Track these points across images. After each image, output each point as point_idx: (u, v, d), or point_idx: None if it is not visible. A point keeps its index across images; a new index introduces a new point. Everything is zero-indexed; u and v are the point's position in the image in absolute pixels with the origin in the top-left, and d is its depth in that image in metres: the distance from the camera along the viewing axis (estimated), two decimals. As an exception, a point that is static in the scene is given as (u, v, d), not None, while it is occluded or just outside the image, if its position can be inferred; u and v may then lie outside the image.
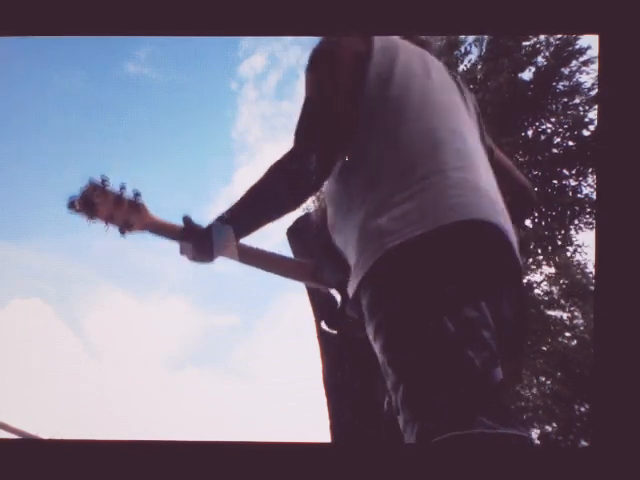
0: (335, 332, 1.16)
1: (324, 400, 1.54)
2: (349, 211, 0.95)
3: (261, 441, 0.82)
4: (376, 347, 0.86)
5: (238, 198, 0.97)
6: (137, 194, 1.02)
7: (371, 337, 0.87)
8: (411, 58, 0.99)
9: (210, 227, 1.00)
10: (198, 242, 1.00)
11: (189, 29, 0.94)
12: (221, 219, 0.99)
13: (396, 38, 1.02)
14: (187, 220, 1.02)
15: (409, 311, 0.81)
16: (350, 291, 0.93)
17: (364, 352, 1.36)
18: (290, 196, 0.95)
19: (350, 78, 0.93)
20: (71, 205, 0.98)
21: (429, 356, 0.78)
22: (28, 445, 0.90)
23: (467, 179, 0.88)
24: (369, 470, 0.80)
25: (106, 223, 1.01)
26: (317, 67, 0.97)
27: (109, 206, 1.00)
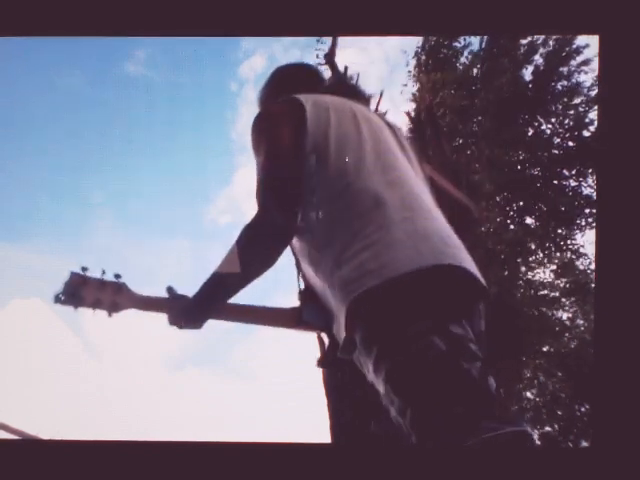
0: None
1: (324, 400, 1.54)
2: (317, 264, 1.02)
3: (261, 441, 0.82)
4: (378, 380, 0.90)
5: (217, 266, 1.03)
6: (117, 276, 1.08)
7: (372, 373, 0.91)
8: (342, 119, 1.05)
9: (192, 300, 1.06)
10: (185, 313, 1.07)
11: (189, 29, 0.94)
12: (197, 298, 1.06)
13: (326, 98, 1.07)
14: (171, 292, 1.09)
15: (397, 342, 0.86)
16: (340, 334, 0.98)
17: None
18: (264, 255, 1.02)
19: (291, 147, 1.01)
20: (57, 300, 1.04)
21: (427, 375, 0.82)
22: (28, 445, 0.90)
23: (416, 230, 0.94)
24: (369, 470, 0.80)
25: (93, 309, 1.07)
26: (261, 136, 1.05)
27: (94, 293, 1.06)
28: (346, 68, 7.29)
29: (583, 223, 6.73)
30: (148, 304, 1.12)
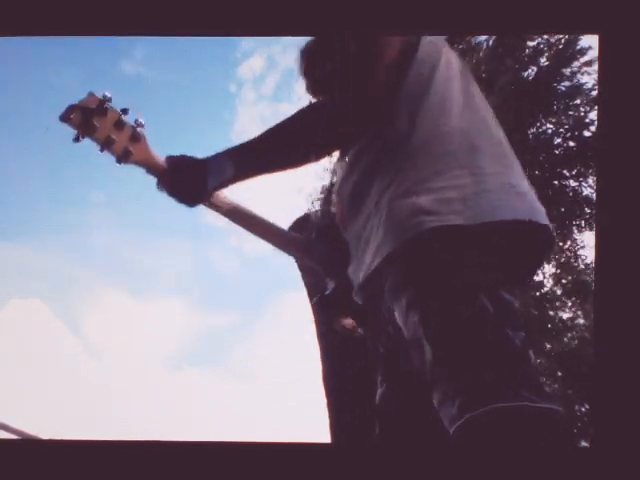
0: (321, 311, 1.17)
1: (324, 400, 1.54)
2: (375, 193, 0.95)
3: (261, 441, 0.82)
4: (409, 321, 0.86)
5: (259, 134, 0.93)
6: (139, 124, 0.95)
7: (402, 310, 0.87)
8: (452, 61, 1.03)
9: (207, 161, 0.93)
10: (189, 174, 0.94)
11: (188, 29, 0.94)
12: (224, 154, 0.93)
13: (440, 40, 1.05)
14: (185, 159, 0.96)
15: (450, 288, 0.83)
16: (367, 268, 0.93)
17: (364, 352, 1.36)
18: (315, 143, 0.94)
19: (398, 59, 0.96)
20: (67, 115, 0.88)
21: (472, 333, 0.80)
22: (28, 445, 0.90)
23: (511, 184, 0.92)
24: (369, 470, 0.80)
25: (102, 147, 0.92)
26: (373, 40, 0.97)
27: (109, 128, 0.91)
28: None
29: (583, 223, 6.73)
30: (160, 170, 0.98)
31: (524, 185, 0.96)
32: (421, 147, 0.93)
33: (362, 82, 0.93)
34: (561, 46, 6.73)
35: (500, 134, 1.01)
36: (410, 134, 0.94)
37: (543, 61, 6.92)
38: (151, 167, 0.97)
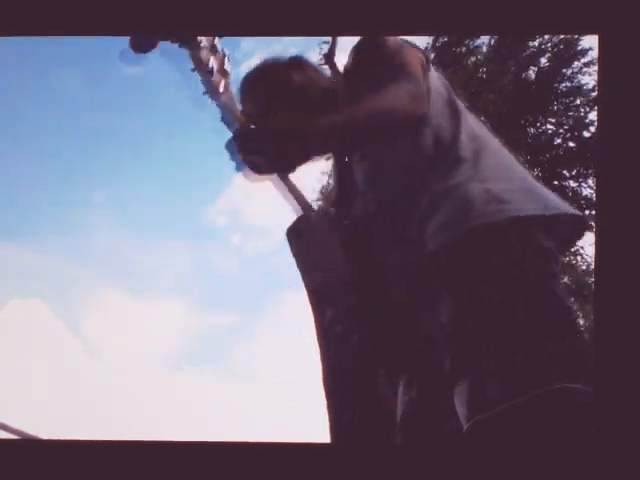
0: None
1: (324, 400, 1.54)
2: (447, 166, 0.98)
3: (261, 441, 0.82)
4: (475, 305, 0.87)
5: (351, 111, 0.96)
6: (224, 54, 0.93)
7: (466, 294, 0.88)
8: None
9: (305, 131, 0.93)
10: (289, 139, 0.92)
11: (187, 29, 0.94)
12: (323, 128, 0.93)
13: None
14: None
15: (527, 277, 0.86)
16: (423, 248, 0.94)
17: (364, 352, 1.36)
18: (405, 112, 0.95)
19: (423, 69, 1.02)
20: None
21: (552, 321, 0.84)
22: (28, 445, 0.90)
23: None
24: (369, 470, 0.80)
25: (199, 65, 0.91)
26: (401, 52, 1.01)
27: (207, 49, 0.91)
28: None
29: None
30: (237, 115, 0.96)
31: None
32: (473, 142, 0.99)
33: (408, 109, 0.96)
34: (562, 47, 6.74)
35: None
36: (460, 129, 1.00)
37: (544, 62, 6.93)
38: (234, 114, 0.96)
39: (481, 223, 0.90)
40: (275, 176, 1.08)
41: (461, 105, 1.06)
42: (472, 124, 1.05)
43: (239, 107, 0.99)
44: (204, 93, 0.94)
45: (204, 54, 0.91)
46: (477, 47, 7.10)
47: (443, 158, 0.99)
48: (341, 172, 1.16)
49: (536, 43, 6.82)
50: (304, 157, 1.00)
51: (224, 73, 0.94)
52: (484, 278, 0.88)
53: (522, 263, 0.88)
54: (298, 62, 1.19)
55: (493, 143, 1.04)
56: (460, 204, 0.93)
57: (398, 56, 1.00)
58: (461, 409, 0.83)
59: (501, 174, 0.96)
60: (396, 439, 1.10)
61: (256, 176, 0.97)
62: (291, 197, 1.13)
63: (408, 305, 1.04)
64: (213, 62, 0.92)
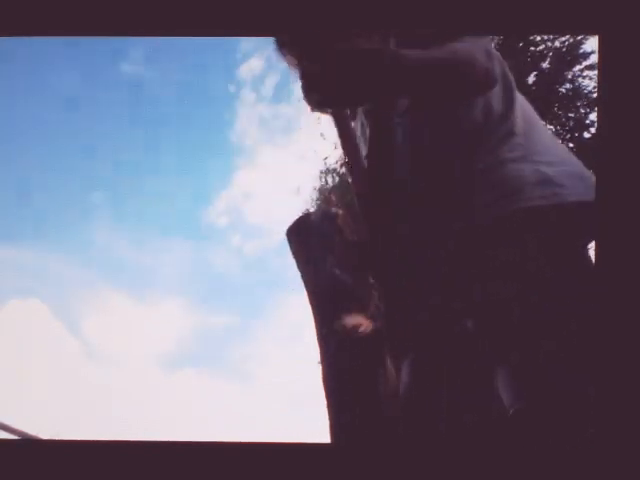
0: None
1: (324, 400, 1.54)
2: (476, 152, 0.94)
3: (261, 441, 0.82)
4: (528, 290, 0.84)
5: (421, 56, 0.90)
6: None
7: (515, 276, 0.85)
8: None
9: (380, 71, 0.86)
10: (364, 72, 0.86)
11: (186, 29, 0.94)
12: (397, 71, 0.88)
13: None
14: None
15: (573, 257, 0.84)
16: (484, 214, 0.90)
17: (365, 352, 1.36)
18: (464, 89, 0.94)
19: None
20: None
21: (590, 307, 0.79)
22: (28, 445, 0.90)
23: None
24: (369, 470, 0.80)
25: None
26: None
27: None
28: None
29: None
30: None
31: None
32: (525, 122, 0.96)
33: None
34: (564, 50, 6.74)
35: None
36: (512, 105, 0.98)
37: (545, 65, 6.93)
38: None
39: (532, 205, 0.87)
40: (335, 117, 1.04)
41: (513, 81, 1.03)
42: (522, 102, 1.02)
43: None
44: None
45: None
46: None
47: (494, 131, 0.95)
48: (380, 123, 1.05)
49: (540, 48, 6.84)
50: (366, 91, 0.89)
51: None
52: (531, 260, 0.84)
53: (570, 247, 0.85)
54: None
55: (541, 124, 1.02)
56: (511, 182, 0.89)
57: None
58: (505, 394, 0.82)
59: (552, 156, 0.93)
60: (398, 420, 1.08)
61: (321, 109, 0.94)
62: (342, 144, 1.08)
63: (433, 279, 0.99)
64: None
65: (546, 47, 6.86)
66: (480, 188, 0.91)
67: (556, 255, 0.84)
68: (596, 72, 6.54)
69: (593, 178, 0.89)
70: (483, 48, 0.94)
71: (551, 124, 6.91)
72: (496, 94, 0.98)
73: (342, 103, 0.96)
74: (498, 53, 1.03)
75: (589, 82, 6.67)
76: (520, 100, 1.02)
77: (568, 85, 6.81)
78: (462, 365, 0.93)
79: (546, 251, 0.85)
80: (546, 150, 0.94)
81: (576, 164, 0.96)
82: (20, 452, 0.83)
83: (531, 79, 6.92)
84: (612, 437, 0.75)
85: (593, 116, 6.61)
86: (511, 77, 1.04)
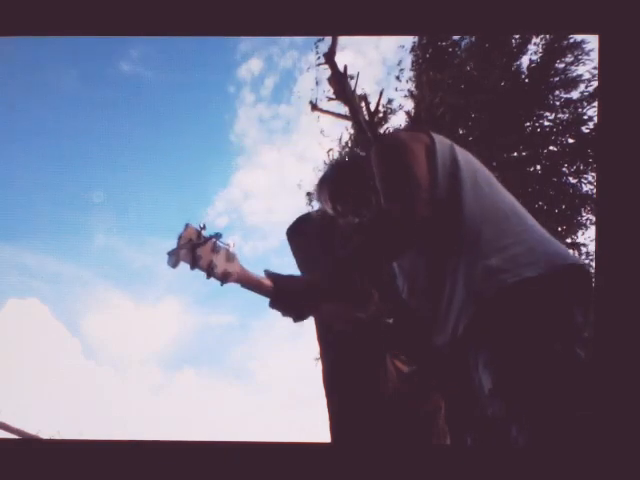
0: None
1: (324, 400, 1.54)
2: (447, 258, 1.06)
3: (261, 441, 0.82)
4: (500, 370, 0.94)
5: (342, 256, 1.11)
6: (228, 245, 1.04)
7: (486, 363, 0.96)
8: (459, 149, 1.14)
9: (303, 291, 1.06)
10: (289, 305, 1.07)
11: (186, 30, 0.94)
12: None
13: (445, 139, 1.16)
14: (273, 278, 1.07)
15: (543, 339, 0.91)
16: (453, 328, 1.03)
17: (365, 352, 1.36)
18: (396, 251, 1.10)
19: (426, 167, 1.08)
20: (174, 255, 0.98)
21: (567, 374, 0.88)
22: (28, 445, 0.90)
23: (544, 234, 1.05)
24: (369, 470, 0.80)
25: (208, 274, 1.02)
26: (398, 159, 1.09)
27: (209, 254, 1.01)
28: (345, 67, 7.28)
29: (583, 221, 6.74)
30: (253, 284, 1.08)
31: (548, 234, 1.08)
32: (474, 220, 1.04)
33: (410, 211, 1.05)
34: (552, 40, 6.72)
35: (516, 201, 1.14)
36: (461, 215, 1.05)
37: (534, 57, 6.92)
38: (251, 286, 1.09)
39: (485, 297, 0.97)
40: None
41: (463, 170, 1.10)
42: (474, 191, 1.09)
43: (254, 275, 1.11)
44: (221, 284, 1.05)
45: (207, 262, 1.01)
46: (460, 42, 7.08)
47: (448, 246, 1.06)
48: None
49: (527, 38, 6.81)
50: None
51: (232, 259, 1.05)
52: (507, 341, 0.93)
53: (529, 319, 0.93)
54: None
55: (495, 199, 1.08)
56: (467, 286, 1.01)
57: (402, 158, 1.08)
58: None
59: (500, 244, 1.01)
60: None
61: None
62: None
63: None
64: (218, 260, 1.02)
65: (531, 38, 6.84)
66: (452, 301, 1.05)
67: (520, 331, 0.93)
68: (588, 60, 6.53)
69: (545, 248, 1.00)
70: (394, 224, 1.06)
71: (548, 120, 6.91)
72: (442, 206, 1.07)
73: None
74: (447, 153, 1.10)
75: (582, 70, 6.64)
76: (469, 188, 1.08)
77: (561, 76, 6.78)
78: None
79: (512, 330, 0.94)
80: (497, 239, 1.02)
81: (518, 243, 1.02)
82: (20, 452, 0.83)
83: (519, 71, 6.90)
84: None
85: (591, 111, 6.60)
86: (459, 167, 1.09)
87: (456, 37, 7.18)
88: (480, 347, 0.98)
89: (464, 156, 1.13)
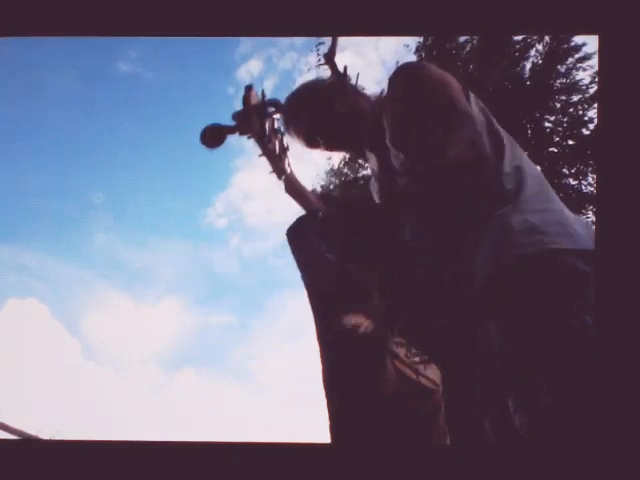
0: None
1: (324, 400, 1.54)
2: (476, 210, 1.02)
3: (261, 441, 0.82)
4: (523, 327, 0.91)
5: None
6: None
7: (515, 318, 0.92)
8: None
9: None
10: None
11: (186, 30, 0.94)
12: None
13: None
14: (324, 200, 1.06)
15: (569, 310, 0.89)
16: (479, 275, 0.99)
17: (365, 352, 1.36)
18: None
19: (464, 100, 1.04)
20: (244, 120, 0.93)
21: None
22: (28, 445, 0.90)
23: (575, 217, 1.02)
24: (369, 470, 0.80)
25: (264, 150, 0.96)
26: (443, 92, 1.03)
27: (279, 147, 0.97)
28: (345, 68, 7.28)
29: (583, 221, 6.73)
30: (302, 196, 1.07)
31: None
32: (515, 171, 1.02)
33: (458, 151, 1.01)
34: (555, 43, 6.74)
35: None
36: (502, 164, 1.03)
37: (536, 59, 6.93)
38: (297, 197, 1.09)
39: (520, 253, 0.94)
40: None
41: (502, 131, 1.08)
42: (513, 152, 1.06)
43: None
44: (279, 177, 1.01)
45: (263, 133, 0.97)
46: (464, 43, 7.09)
47: (488, 188, 1.02)
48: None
49: (529, 40, 6.83)
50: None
51: (284, 152, 1.01)
52: (528, 305, 0.91)
53: (559, 289, 0.91)
54: (340, 86, 1.21)
55: (532, 171, 1.06)
56: (501, 236, 0.97)
57: (444, 90, 1.02)
58: (519, 416, 0.88)
59: (539, 205, 0.99)
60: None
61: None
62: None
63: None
64: (274, 143, 0.98)
65: (534, 39, 6.85)
66: (480, 245, 1.00)
67: (546, 299, 0.91)
68: (590, 64, 6.55)
69: (577, 227, 0.98)
70: (467, 143, 1.02)
71: (549, 121, 6.92)
72: (486, 153, 1.04)
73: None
74: (479, 108, 1.08)
75: (583, 75, 6.67)
76: (510, 150, 1.06)
77: (563, 80, 6.80)
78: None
79: (537, 295, 0.92)
80: (535, 200, 1.00)
81: (562, 212, 1.01)
82: (20, 452, 0.83)
83: (521, 74, 6.92)
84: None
85: (591, 112, 6.61)
86: (499, 129, 1.08)
87: (460, 39, 7.19)
88: (501, 303, 0.95)
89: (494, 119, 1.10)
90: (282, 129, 0.99)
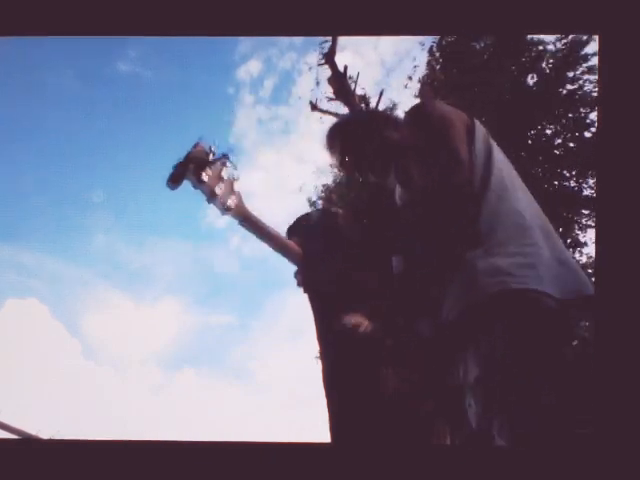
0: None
1: (324, 400, 1.54)
2: (458, 249, 1.07)
3: (261, 441, 0.82)
4: (492, 363, 0.97)
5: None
6: (234, 166, 1.03)
7: (489, 347, 0.98)
8: (494, 143, 1.14)
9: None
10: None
11: (185, 29, 0.94)
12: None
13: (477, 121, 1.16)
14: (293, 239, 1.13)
15: (537, 346, 0.95)
16: (450, 311, 1.05)
17: (365, 352, 1.36)
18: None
19: (466, 147, 1.08)
20: (181, 169, 0.95)
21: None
22: (28, 445, 0.90)
23: (561, 259, 1.05)
24: (369, 470, 0.80)
25: (210, 198, 0.99)
26: (442, 130, 1.08)
27: (214, 180, 0.98)
28: (345, 68, 7.29)
29: (583, 224, 6.74)
30: (255, 225, 1.10)
31: (569, 258, 1.09)
32: (492, 217, 1.06)
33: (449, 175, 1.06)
34: (565, 50, 6.74)
35: (542, 214, 1.14)
36: (482, 205, 1.06)
37: (544, 65, 6.93)
38: (252, 225, 1.11)
39: (486, 293, 1.00)
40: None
41: (496, 167, 1.10)
42: (499, 192, 1.09)
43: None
44: (222, 214, 1.05)
45: (212, 185, 1.00)
46: (475, 47, 7.11)
47: (462, 230, 1.07)
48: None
49: (536, 45, 6.84)
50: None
51: (234, 194, 1.05)
52: (497, 340, 0.97)
53: (524, 322, 0.96)
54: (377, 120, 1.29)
55: (516, 205, 1.08)
56: (469, 278, 1.03)
57: (446, 136, 1.07)
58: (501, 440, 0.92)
59: (512, 249, 1.03)
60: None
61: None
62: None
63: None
64: (223, 189, 1.02)
65: (547, 49, 6.88)
66: (451, 287, 1.06)
67: (513, 333, 0.96)
68: (594, 69, 6.54)
69: (546, 266, 1.02)
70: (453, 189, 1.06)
71: (551, 124, 6.92)
72: (469, 200, 1.08)
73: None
74: (483, 140, 1.11)
75: (586, 79, 6.67)
76: (498, 186, 1.09)
77: (569, 85, 6.81)
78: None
79: (504, 330, 0.97)
80: (507, 243, 1.04)
81: (531, 254, 1.04)
82: (20, 452, 0.83)
83: (531, 78, 6.94)
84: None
85: (593, 115, 6.61)
86: (494, 168, 1.10)
87: (459, 42, 7.20)
88: (474, 336, 1.00)
89: (498, 151, 1.13)
90: (233, 176, 1.04)
